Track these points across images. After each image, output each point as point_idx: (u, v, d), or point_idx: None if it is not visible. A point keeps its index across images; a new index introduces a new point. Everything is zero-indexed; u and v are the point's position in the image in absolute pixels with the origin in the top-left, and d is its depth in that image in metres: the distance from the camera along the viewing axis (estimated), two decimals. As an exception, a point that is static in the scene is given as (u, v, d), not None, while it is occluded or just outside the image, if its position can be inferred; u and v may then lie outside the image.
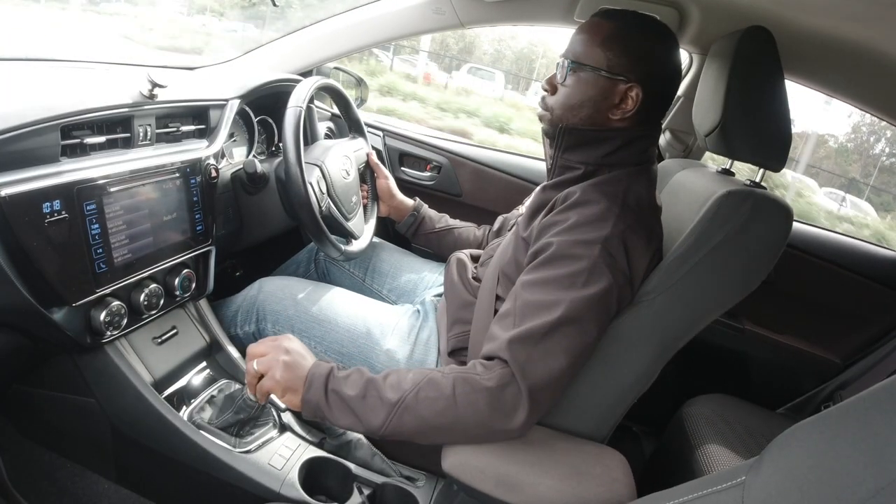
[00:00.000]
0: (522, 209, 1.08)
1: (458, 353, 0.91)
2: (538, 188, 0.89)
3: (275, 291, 1.03)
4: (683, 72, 1.38)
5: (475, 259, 1.05)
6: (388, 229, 1.58)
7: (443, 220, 1.28)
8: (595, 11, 0.84)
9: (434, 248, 1.28)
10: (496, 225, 1.20)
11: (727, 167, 0.97)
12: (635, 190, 0.77)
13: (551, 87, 0.84)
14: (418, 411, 0.68)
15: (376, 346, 0.95)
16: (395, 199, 1.27)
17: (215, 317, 1.04)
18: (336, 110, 1.27)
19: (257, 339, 0.99)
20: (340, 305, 1.02)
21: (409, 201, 1.28)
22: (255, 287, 1.05)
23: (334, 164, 1.09)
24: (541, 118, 0.86)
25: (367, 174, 1.28)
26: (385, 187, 1.26)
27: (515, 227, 0.90)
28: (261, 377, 0.75)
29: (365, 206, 1.26)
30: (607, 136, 0.80)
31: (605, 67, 0.78)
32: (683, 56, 1.38)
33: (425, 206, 1.29)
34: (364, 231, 1.20)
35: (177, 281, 0.92)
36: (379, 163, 1.27)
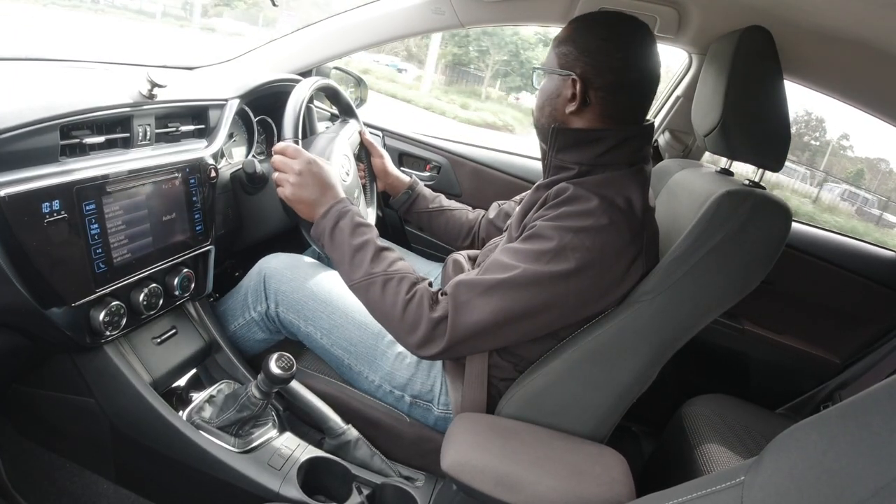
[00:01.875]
0: (516, 207, 1.08)
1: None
2: (533, 187, 0.90)
3: (279, 268, 1.00)
4: (683, 71, 1.38)
5: (472, 259, 1.05)
6: (386, 228, 1.58)
7: (437, 199, 1.27)
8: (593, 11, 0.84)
9: (425, 227, 1.28)
10: (492, 213, 1.20)
11: (726, 167, 0.97)
12: (627, 190, 0.77)
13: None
14: (378, 294, 0.79)
15: (388, 350, 0.93)
16: (391, 177, 1.25)
17: (214, 317, 1.04)
18: (335, 110, 1.26)
19: (272, 319, 1.00)
20: (353, 297, 0.92)
21: (405, 178, 1.26)
22: (257, 266, 1.03)
23: (334, 169, 1.08)
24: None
25: (362, 154, 1.26)
26: (380, 166, 1.25)
27: (509, 228, 0.90)
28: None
29: (364, 188, 1.24)
30: (599, 136, 0.80)
31: (556, 66, 0.82)
32: (683, 56, 1.38)
33: (421, 184, 1.27)
34: (367, 219, 1.19)
35: (176, 281, 0.92)
36: (373, 141, 1.26)
